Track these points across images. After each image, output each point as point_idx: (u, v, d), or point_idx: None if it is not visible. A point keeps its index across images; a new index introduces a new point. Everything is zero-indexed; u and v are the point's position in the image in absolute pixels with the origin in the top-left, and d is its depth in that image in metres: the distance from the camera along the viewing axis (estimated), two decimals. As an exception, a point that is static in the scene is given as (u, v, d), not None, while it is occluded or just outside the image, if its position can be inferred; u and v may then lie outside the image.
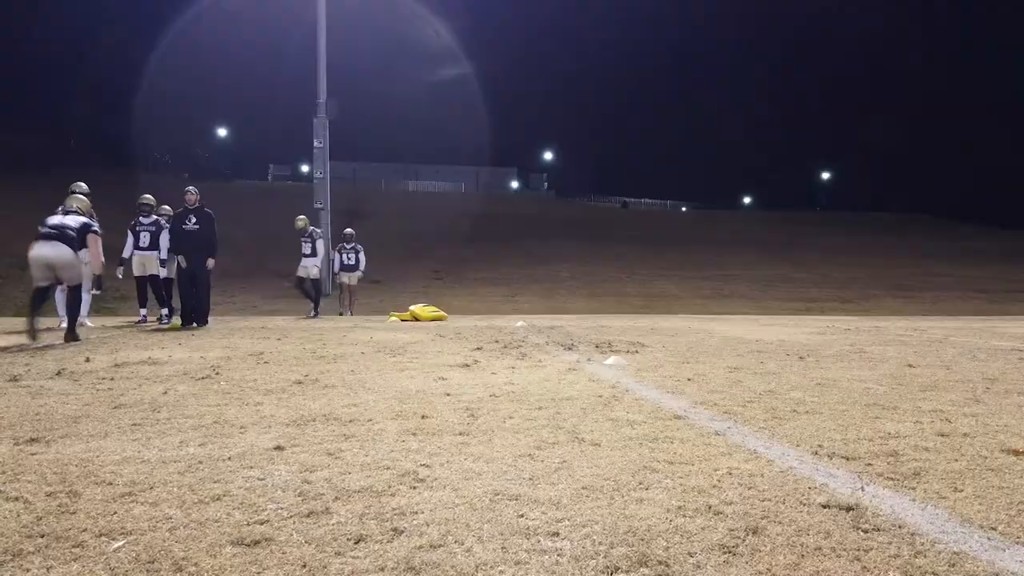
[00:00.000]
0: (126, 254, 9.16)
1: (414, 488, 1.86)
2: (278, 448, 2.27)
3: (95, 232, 6.62)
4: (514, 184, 56.64)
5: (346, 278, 12.67)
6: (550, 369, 4.32)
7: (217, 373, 4.03)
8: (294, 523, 1.59)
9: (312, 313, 11.21)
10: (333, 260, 13.18)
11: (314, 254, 11.36)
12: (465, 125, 54.65)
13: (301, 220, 11.50)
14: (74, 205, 6.92)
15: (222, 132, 50.11)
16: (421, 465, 2.08)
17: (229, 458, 2.15)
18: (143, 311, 9.22)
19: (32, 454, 2.20)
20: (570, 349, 5.60)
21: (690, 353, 5.35)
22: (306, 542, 1.48)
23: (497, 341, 6.26)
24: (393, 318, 10.02)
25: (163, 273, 9.16)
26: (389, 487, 1.86)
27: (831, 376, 4.09)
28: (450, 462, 2.12)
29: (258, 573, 1.33)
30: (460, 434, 2.49)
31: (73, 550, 1.43)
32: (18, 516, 1.63)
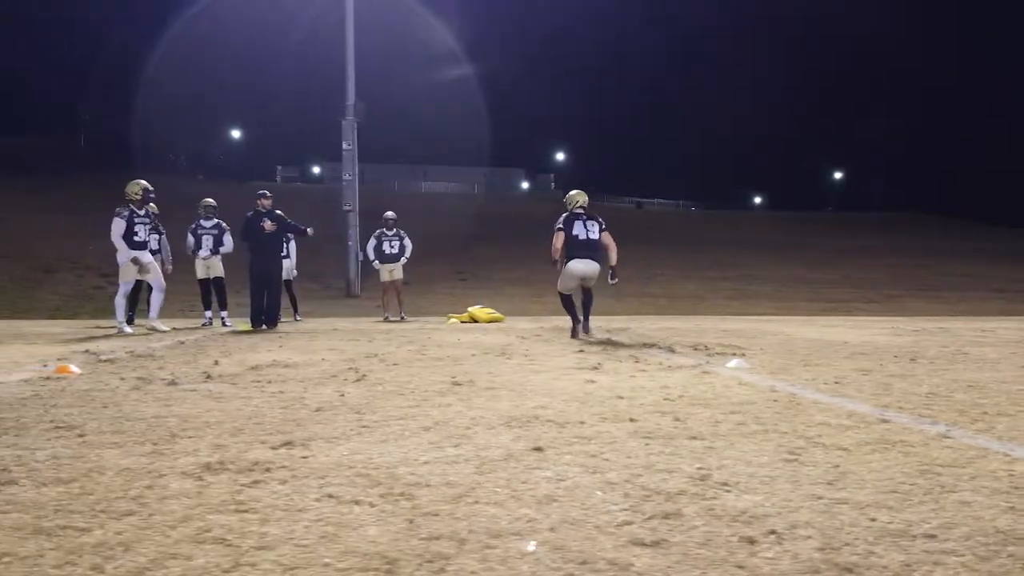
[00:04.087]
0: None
1: (728, 492, 1.89)
2: (538, 449, 2.30)
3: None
4: (524, 185, 56.70)
5: (387, 272, 10.77)
6: (682, 372, 4.36)
7: (363, 376, 4.06)
8: (659, 524, 1.63)
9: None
10: (368, 251, 11.13)
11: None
12: (473, 126, 54.64)
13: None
14: (581, 201, 7.55)
15: (236, 134, 50.13)
16: (698, 468, 2.12)
17: (504, 459, 2.18)
18: (208, 314, 9.25)
19: (303, 458, 2.22)
20: (672, 352, 5.64)
21: (795, 355, 5.39)
22: (703, 543, 1.51)
23: (589, 343, 6.29)
24: (452, 320, 10.04)
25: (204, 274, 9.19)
26: (703, 491, 1.89)
27: (967, 378, 4.13)
28: (723, 466, 2.15)
29: (689, 573, 1.37)
30: (693, 438, 2.52)
31: (485, 552, 1.47)
32: (384, 519, 1.66)
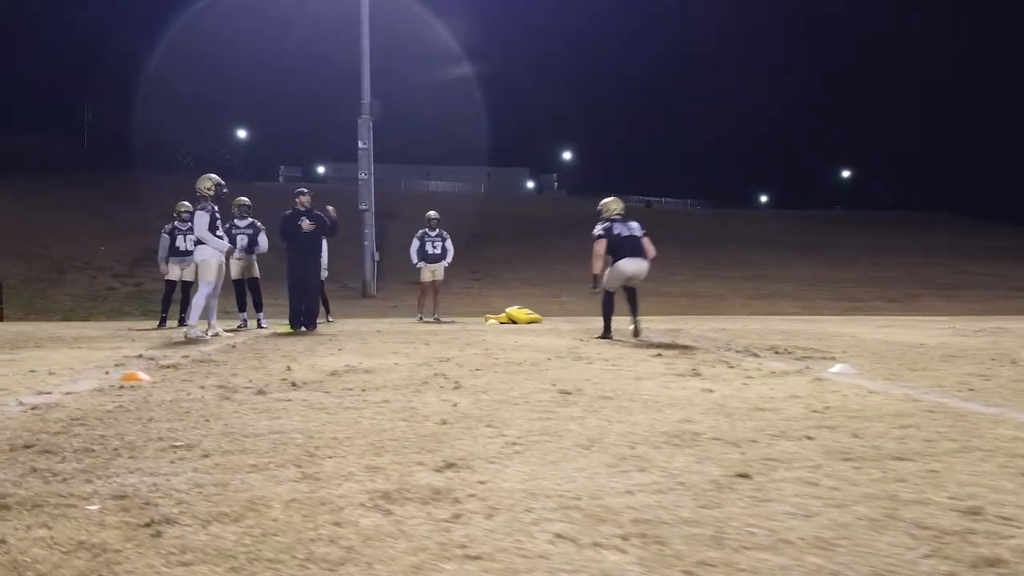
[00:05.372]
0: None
1: (1019, 528, 1.61)
2: (743, 476, 2.02)
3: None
4: (530, 184, 56.43)
5: (430, 273, 10.45)
6: (794, 379, 4.07)
7: (458, 384, 3.78)
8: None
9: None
10: (411, 252, 10.66)
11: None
12: (477, 125, 54.30)
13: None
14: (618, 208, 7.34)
15: (242, 134, 49.82)
16: (949, 498, 1.83)
17: (715, 488, 1.90)
18: (243, 315, 8.96)
19: (480, 483, 1.94)
20: (755, 355, 5.36)
21: (888, 359, 5.11)
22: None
23: (659, 346, 6.02)
24: (491, 321, 9.77)
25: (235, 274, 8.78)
26: (992, 528, 1.60)
27: (1102, 384, 3.86)
28: (974, 495, 1.86)
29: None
30: (900, 459, 2.23)
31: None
32: (655, 572, 1.38)
